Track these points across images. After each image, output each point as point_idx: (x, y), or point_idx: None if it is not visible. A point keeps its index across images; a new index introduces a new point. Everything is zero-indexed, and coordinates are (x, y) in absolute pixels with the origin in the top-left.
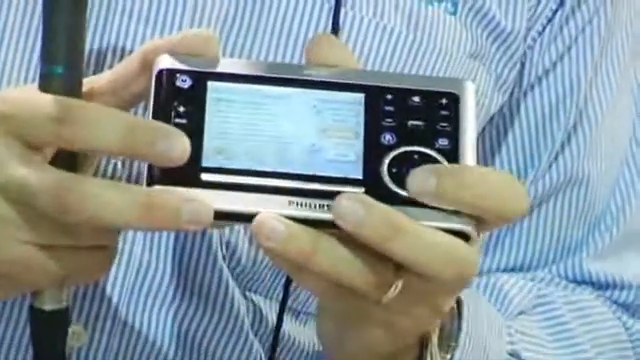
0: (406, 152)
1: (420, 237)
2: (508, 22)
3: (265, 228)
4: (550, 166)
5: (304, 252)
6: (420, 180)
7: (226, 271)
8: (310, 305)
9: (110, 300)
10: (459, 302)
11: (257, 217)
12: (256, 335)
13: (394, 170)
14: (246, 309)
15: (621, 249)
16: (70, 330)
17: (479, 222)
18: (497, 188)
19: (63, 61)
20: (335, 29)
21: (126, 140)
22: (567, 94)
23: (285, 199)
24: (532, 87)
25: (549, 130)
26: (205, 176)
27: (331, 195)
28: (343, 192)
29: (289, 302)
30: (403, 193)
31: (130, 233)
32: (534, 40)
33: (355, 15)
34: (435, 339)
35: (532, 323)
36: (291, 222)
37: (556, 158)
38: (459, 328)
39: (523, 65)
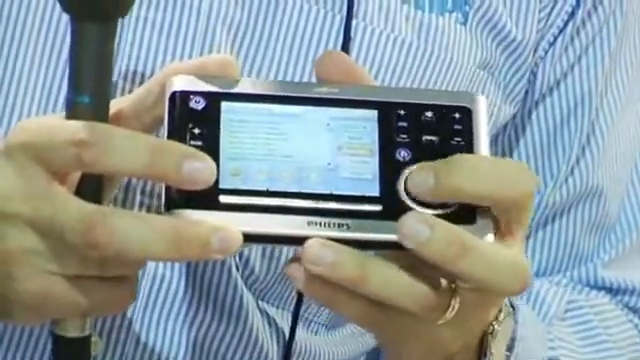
0: None
1: (487, 254)
2: (518, 32)
3: (312, 253)
4: (567, 179)
5: (353, 276)
6: (419, 178)
7: (240, 281)
8: (321, 315)
9: (125, 310)
10: (514, 307)
11: (306, 243)
12: (270, 344)
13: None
14: (260, 319)
15: (634, 257)
16: None
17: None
18: (496, 172)
19: (90, 91)
20: (346, 40)
21: (152, 163)
22: (578, 104)
23: (304, 219)
24: (544, 97)
25: (560, 140)
26: (223, 198)
27: (350, 214)
28: (361, 210)
29: (301, 311)
30: (420, 209)
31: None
32: (545, 51)
33: (366, 26)
34: (495, 350)
35: (566, 328)
36: (339, 245)
37: (572, 171)
38: (514, 335)
39: (535, 76)
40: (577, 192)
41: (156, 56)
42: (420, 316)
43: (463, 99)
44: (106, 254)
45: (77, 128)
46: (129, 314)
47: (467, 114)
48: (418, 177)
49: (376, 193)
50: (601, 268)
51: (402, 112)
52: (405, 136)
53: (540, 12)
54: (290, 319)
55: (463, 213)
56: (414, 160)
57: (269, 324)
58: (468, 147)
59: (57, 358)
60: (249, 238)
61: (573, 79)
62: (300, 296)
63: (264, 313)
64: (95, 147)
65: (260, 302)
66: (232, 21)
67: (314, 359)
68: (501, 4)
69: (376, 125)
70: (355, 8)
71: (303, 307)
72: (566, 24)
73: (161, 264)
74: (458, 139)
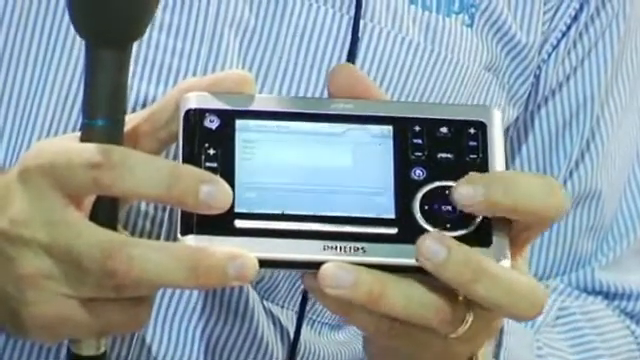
0: (437, 188)
1: (504, 279)
2: (523, 35)
3: (330, 277)
4: (565, 182)
5: (373, 295)
6: (468, 190)
7: None
8: (326, 315)
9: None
10: None
11: (322, 268)
12: (274, 344)
13: (426, 207)
14: (265, 318)
15: (630, 261)
16: None
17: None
18: (538, 189)
19: (105, 115)
20: (354, 41)
21: (170, 187)
22: (580, 108)
23: (320, 244)
24: (546, 100)
25: (562, 143)
26: (239, 223)
27: (365, 237)
28: (377, 233)
29: (305, 311)
30: (435, 231)
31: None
32: (548, 54)
33: (374, 27)
34: (482, 357)
35: (556, 335)
36: (356, 267)
37: (571, 175)
38: (500, 343)
39: (537, 78)
40: (575, 196)
41: (164, 57)
42: (435, 331)
43: (478, 113)
44: (124, 282)
45: (94, 151)
46: None
47: (482, 129)
48: (466, 190)
49: (392, 215)
50: (598, 271)
51: (417, 128)
52: (420, 154)
53: (544, 15)
54: (295, 319)
55: (480, 235)
56: (429, 179)
57: (274, 324)
58: (483, 164)
59: None
60: (265, 264)
61: (576, 82)
62: (305, 296)
63: (269, 313)
64: (112, 171)
65: (265, 302)
66: (240, 22)
67: (318, 359)
68: (506, 7)
69: (391, 142)
70: (363, 8)
71: (307, 307)
72: (569, 28)
73: None
74: (473, 156)
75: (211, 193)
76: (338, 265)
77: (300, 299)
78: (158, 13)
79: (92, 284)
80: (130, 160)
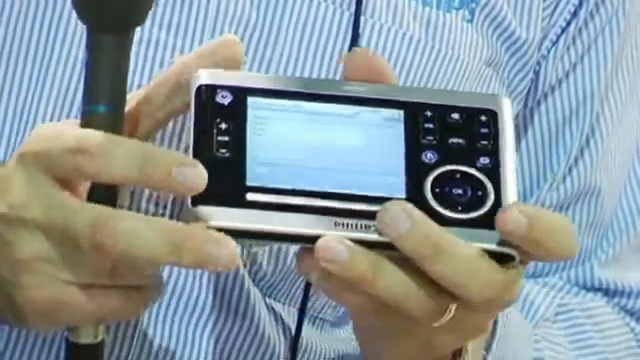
0: (448, 171)
1: (461, 259)
2: (523, 31)
3: (329, 251)
4: (564, 178)
5: (366, 276)
6: (515, 220)
7: (247, 278)
8: (327, 312)
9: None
10: None
11: (320, 240)
12: (277, 341)
13: (437, 190)
14: (267, 315)
15: (630, 257)
16: None
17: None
18: (565, 233)
19: (106, 100)
20: (355, 37)
21: (143, 170)
22: (580, 104)
23: (330, 220)
24: (545, 96)
25: (562, 139)
26: (250, 196)
27: (376, 215)
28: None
29: (307, 308)
30: (446, 213)
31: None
32: (548, 50)
33: (375, 23)
34: (471, 347)
35: (555, 331)
36: (354, 245)
37: (570, 171)
38: (493, 334)
39: (537, 75)
40: (574, 192)
41: (164, 54)
42: (418, 319)
43: (489, 102)
44: (112, 256)
45: (75, 137)
46: None
47: (493, 117)
48: (514, 218)
49: (403, 195)
50: (598, 268)
51: (429, 113)
52: (431, 138)
53: (544, 11)
54: (296, 316)
55: (490, 218)
56: (440, 163)
57: (276, 320)
58: (494, 150)
59: None
60: (274, 237)
61: (575, 79)
62: (306, 293)
63: (271, 310)
64: (91, 156)
65: (267, 299)
66: (241, 18)
67: (320, 356)
68: (505, 3)
69: (402, 126)
70: (364, 5)
71: (309, 304)
72: (569, 24)
73: None
74: (485, 142)
75: (184, 175)
76: (338, 239)
77: (302, 296)
78: (158, 10)
79: (89, 268)
80: (106, 145)
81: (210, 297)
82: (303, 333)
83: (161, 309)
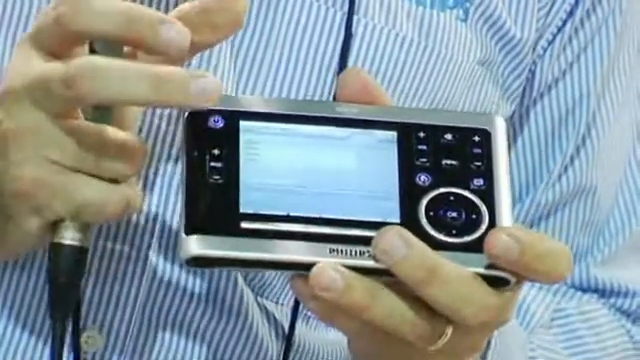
0: (442, 194)
1: (454, 283)
2: (517, 30)
3: (324, 279)
4: (560, 177)
5: (361, 303)
6: (503, 245)
7: (240, 277)
8: None
9: (125, 305)
10: None
11: (315, 268)
12: (269, 340)
13: (431, 213)
14: (259, 315)
15: (627, 257)
16: (85, 334)
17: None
18: (556, 256)
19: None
20: (348, 36)
21: (128, 26)
22: (576, 104)
23: (325, 246)
24: (542, 96)
25: (558, 139)
26: (244, 224)
27: (371, 241)
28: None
29: (300, 307)
30: (441, 237)
31: (145, 238)
32: (544, 49)
33: (368, 23)
34: None
35: (550, 337)
36: (349, 272)
37: (566, 170)
38: (488, 344)
39: (533, 74)
40: (570, 191)
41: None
42: (414, 343)
43: (482, 121)
44: (90, 98)
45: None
46: (129, 309)
47: (486, 137)
48: (502, 242)
49: (397, 219)
50: (594, 267)
51: (421, 134)
52: (425, 160)
53: (539, 11)
54: (289, 315)
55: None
56: (434, 185)
57: (268, 320)
58: (488, 172)
59: (53, 266)
60: (270, 265)
61: (572, 78)
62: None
63: (263, 309)
64: (76, 12)
65: (259, 298)
66: None
67: (313, 356)
68: (500, 2)
69: (395, 147)
70: (357, 4)
71: (301, 304)
72: (565, 23)
73: (161, 257)
74: (478, 163)
75: (169, 32)
76: (333, 268)
77: (294, 295)
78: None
79: (75, 149)
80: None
81: (203, 296)
82: (296, 333)
83: (155, 308)
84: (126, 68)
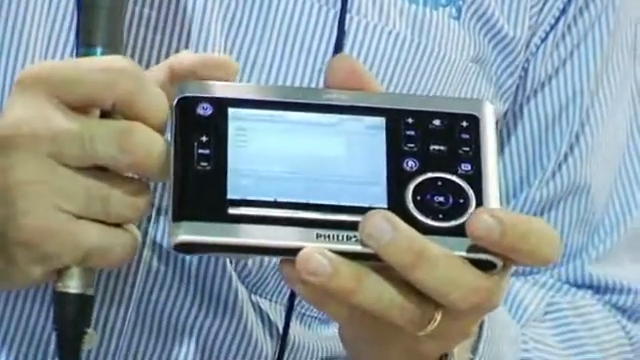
0: (429, 179)
1: (443, 268)
2: (510, 28)
3: (310, 264)
4: (554, 174)
5: (349, 287)
6: (485, 226)
7: (234, 275)
8: (314, 309)
9: (120, 303)
10: None
11: (301, 253)
12: (263, 338)
13: (418, 198)
14: (253, 313)
15: (621, 254)
16: None
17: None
18: (539, 237)
19: (102, 42)
20: (341, 34)
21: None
22: (570, 101)
23: (312, 232)
24: (535, 93)
25: (552, 137)
26: (232, 210)
27: (357, 226)
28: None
29: (294, 305)
30: (428, 221)
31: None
32: (537, 47)
33: (360, 20)
34: (456, 351)
35: (544, 331)
36: (336, 257)
37: (559, 167)
38: (479, 335)
39: (526, 71)
40: (564, 188)
41: (151, 51)
42: (403, 327)
43: (471, 106)
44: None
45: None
46: (124, 306)
47: (475, 122)
48: (484, 223)
49: (384, 205)
50: (588, 264)
51: (410, 120)
52: (413, 145)
53: (532, 9)
54: (283, 313)
55: None
56: (422, 170)
57: (262, 318)
58: (476, 158)
59: (58, 317)
60: (257, 250)
61: (565, 76)
62: (293, 290)
63: (257, 307)
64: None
65: (253, 296)
66: (226, 15)
67: (308, 353)
68: (493, 0)
69: (384, 133)
70: (349, 2)
71: (296, 301)
72: (558, 20)
73: (155, 255)
74: (466, 149)
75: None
76: (320, 252)
77: (289, 293)
78: (145, 9)
79: (84, 197)
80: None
81: (197, 294)
82: (291, 331)
83: (149, 305)
84: None
